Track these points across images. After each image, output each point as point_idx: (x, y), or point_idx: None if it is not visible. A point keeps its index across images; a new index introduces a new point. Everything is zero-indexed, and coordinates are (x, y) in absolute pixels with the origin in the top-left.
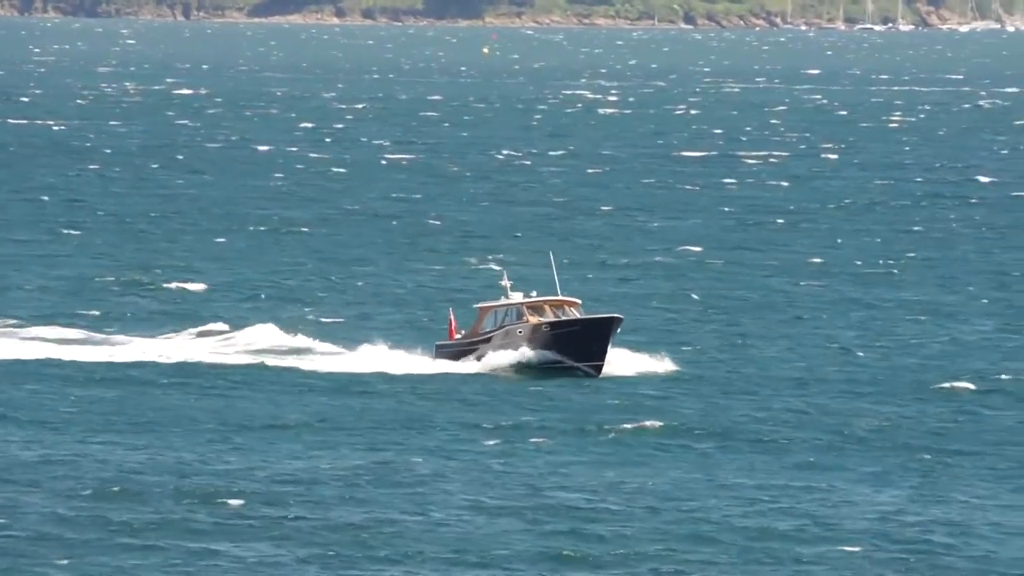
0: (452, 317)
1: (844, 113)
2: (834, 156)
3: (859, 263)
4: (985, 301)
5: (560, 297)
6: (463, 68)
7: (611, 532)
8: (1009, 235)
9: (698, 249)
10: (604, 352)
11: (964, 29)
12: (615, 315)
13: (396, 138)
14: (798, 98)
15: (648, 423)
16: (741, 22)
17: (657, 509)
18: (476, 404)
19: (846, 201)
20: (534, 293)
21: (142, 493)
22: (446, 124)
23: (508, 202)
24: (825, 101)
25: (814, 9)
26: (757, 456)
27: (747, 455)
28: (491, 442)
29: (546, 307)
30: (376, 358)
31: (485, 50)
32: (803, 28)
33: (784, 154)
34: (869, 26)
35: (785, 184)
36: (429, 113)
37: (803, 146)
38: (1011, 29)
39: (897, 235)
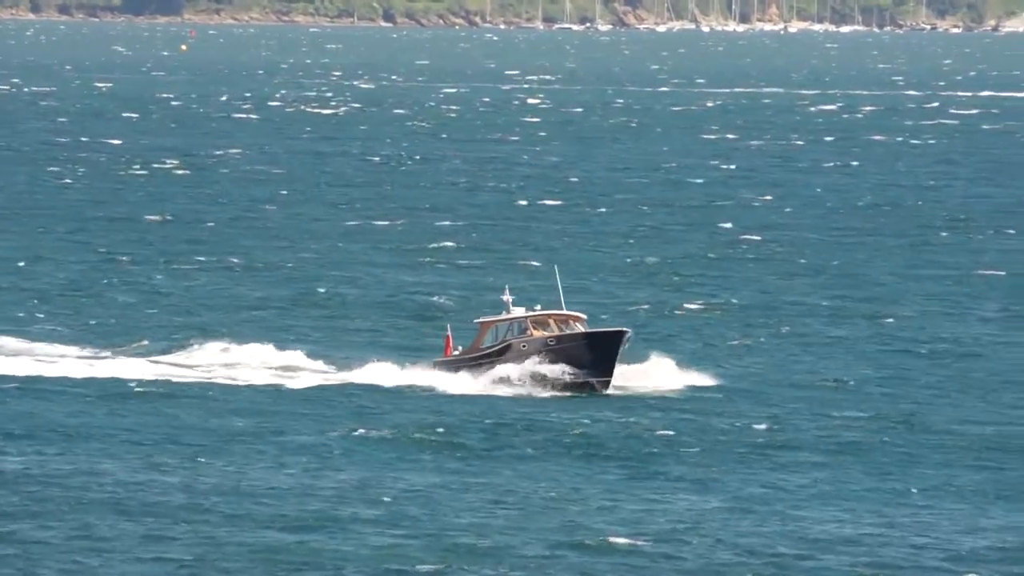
0: (449, 332)
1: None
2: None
3: None
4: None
5: (565, 311)
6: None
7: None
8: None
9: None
10: (612, 367)
11: (661, 29)
12: (623, 328)
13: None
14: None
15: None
16: (440, 21)
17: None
18: (471, 422)
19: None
20: (537, 307)
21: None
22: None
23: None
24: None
25: (513, 8)
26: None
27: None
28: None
29: (551, 321)
30: (373, 373)
31: (183, 47)
32: (502, 27)
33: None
34: (567, 26)
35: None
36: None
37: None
38: (706, 30)
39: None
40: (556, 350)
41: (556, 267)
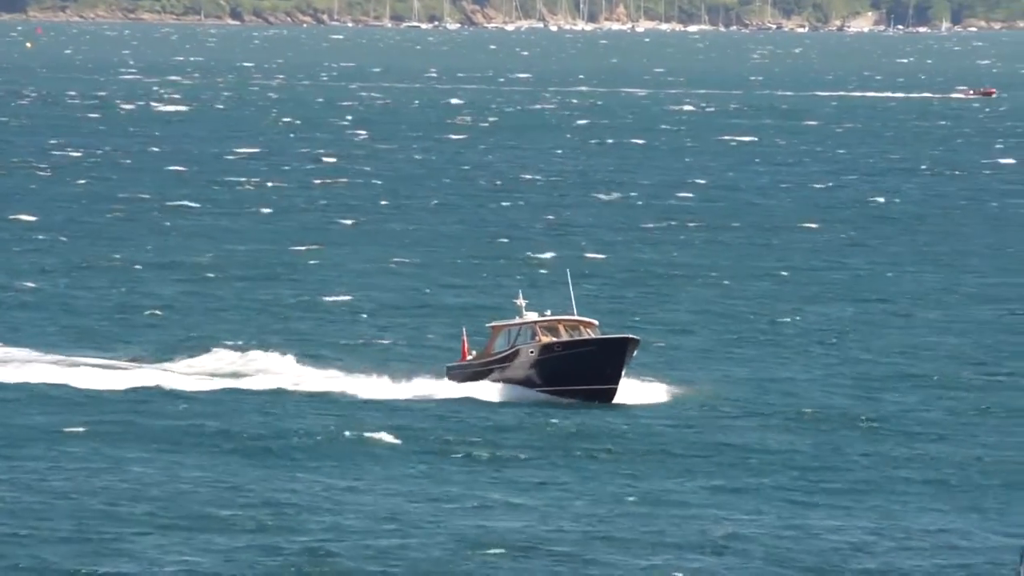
0: (465, 337)
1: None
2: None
3: None
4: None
5: (576, 317)
6: None
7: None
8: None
9: None
10: (618, 375)
11: (510, 28)
12: (631, 336)
13: None
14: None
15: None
16: (288, 19)
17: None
18: (478, 429)
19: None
20: (548, 312)
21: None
22: None
23: None
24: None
25: (360, 7)
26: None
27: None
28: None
29: (560, 327)
30: (378, 383)
31: (28, 44)
32: (350, 25)
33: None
34: (416, 24)
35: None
36: None
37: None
38: (554, 29)
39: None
40: (562, 356)
41: (568, 271)
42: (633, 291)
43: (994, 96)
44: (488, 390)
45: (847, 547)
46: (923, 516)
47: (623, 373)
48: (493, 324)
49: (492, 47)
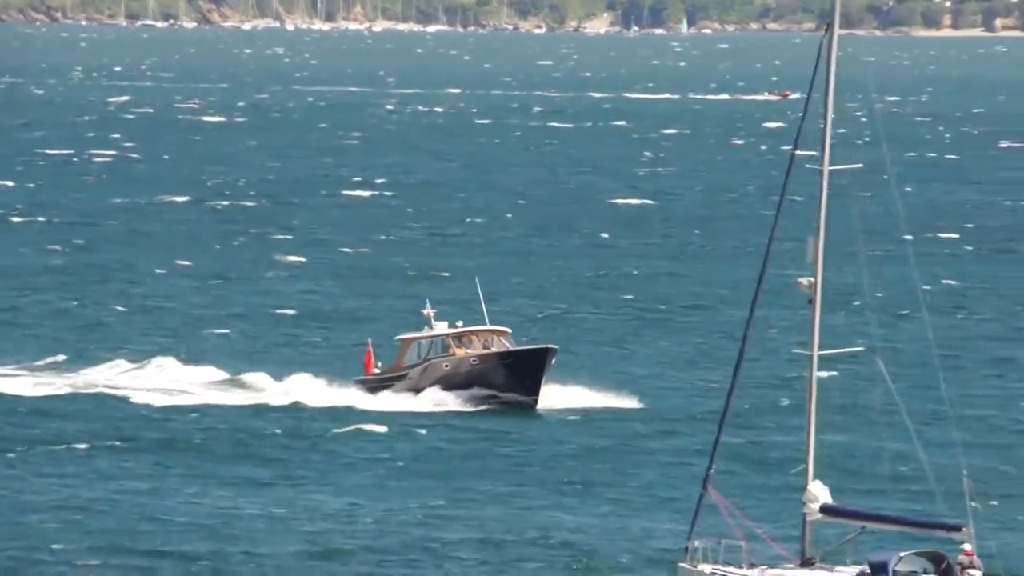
0: (370, 348)
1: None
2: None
3: None
4: None
5: (488, 326)
6: None
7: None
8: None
9: None
10: (538, 386)
11: (247, 27)
12: (549, 345)
13: None
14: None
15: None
16: (21, 16)
17: None
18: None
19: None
20: (459, 323)
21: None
22: None
23: None
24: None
25: (95, 4)
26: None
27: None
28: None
29: (473, 338)
30: (294, 390)
31: None
32: (84, 23)
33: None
34: (151, 22)
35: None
36: None
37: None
38: (291, 28)
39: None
40: (479, 369)
41: (477, 279)
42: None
43: (789, 98)
44: (396, 402)
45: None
46: None
47: (542, 383)
48: (402, 336)
49: (248, 50)
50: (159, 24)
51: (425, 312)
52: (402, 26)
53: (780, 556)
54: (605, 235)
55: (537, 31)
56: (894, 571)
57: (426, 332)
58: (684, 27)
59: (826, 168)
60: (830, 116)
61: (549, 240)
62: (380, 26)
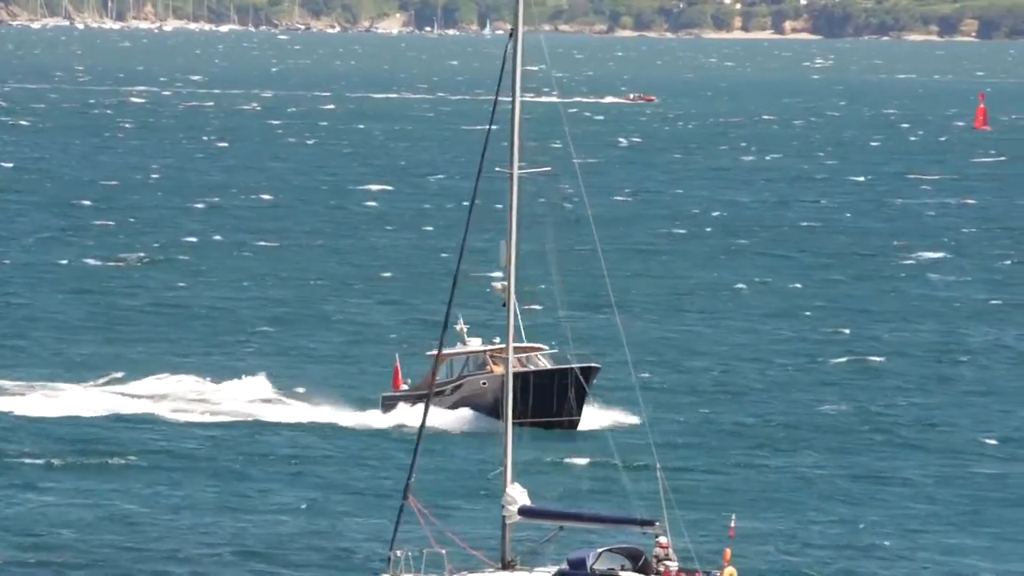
0: (398, 364)
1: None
2: None
3: None
4: None
5: (526, 343)
6: None
7: None
8: None
9: None
10: (581, 405)
11: (36, 26)
12: (592, 364)
13: None
14: None
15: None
16: None
17: None
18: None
19: None
20: (496, 339)
21: None
22: None
23: None
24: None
25: None
26: None
27: None
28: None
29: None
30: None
31: None
32: None
33: None
34: None
35: None
36: None
37: None
38: (81, 27)
39: None
40: (519, 388)
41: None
42: None
43: (655, 101)
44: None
45: None
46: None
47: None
48: (433, 352)
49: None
50: None
51: (458, 328)
52: (193, 25)
53: (481, 561)
54: None
55: (330, 31)
56: (592, 568)
57: (459, 348)
58: (488, 31)
59: (515, 172)
60: (517, 119)
61: None
62: (171, 25)
